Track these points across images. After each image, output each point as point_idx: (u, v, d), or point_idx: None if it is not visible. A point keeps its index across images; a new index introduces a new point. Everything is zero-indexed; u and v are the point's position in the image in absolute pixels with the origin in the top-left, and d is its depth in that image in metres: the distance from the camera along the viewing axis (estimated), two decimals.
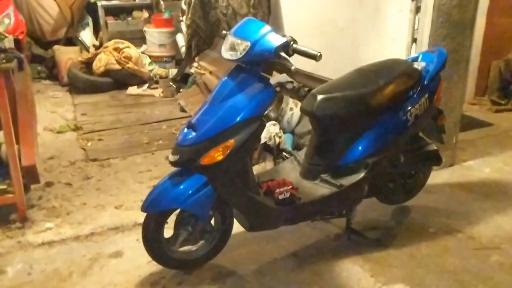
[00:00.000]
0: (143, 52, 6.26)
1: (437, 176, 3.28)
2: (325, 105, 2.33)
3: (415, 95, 2.47)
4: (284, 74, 4.38)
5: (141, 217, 2.25)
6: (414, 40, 3.10)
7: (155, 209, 2.15)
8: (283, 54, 2.02)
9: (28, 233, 2.63)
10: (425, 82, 2.50)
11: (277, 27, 4.94)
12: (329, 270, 2.36)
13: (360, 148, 2.39)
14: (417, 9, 3.03)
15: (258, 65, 2.08)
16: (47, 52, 6.38)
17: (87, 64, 5.85)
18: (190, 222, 2.23)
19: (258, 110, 2.07)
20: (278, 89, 4.22)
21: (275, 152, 3.25)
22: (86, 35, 6.60)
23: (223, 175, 2.09)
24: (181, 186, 2.12)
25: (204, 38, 4.71)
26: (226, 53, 2.11)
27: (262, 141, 3.26)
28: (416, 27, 3.07)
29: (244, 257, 2.45)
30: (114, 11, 6.66)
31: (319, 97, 2.33)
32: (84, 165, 3.59)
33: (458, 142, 3.73)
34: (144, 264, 2.36)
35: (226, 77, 2.16)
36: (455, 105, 3.29)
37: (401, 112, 2.42)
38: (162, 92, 5.33)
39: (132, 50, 5.84)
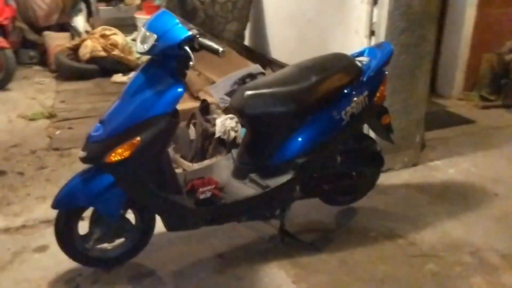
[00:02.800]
0: (134, 39, 6.19)
1: (396, 177, 3.14)
2: (252, 102, 2.22)
3: (352, 93, 2.33)
4: (257, 65, 4.28)
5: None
6: (372, 33, 2.93)
7: (63, 206, 2.09)
8: (187, 48, 1.91)
9: None
10: (364, 79, 2.36)
11: (257, 16, 4.82)
12: (251, 274, 2.27)
13: (289, 148, 2.28)
14: (375, 0, 2.86)
15: (171, 59, 1.98)
16: (40, 38, 6.40)
17: (75, 51, 5.83)
18: (105, 220, 2.17)
19: (166, 107, 1.98)
20: (248, 80, 4.12)
21: (228, 147, 3.15)
22: (79, 21, 6.58)
23: (130, 174, 2.01)
24: (89, 185, 2.05)
25: None
26: (138, 46, 2.02)
27: (217, 135, 3.17)
28: (374, 20, 2.90)
29: (168, 257, 2.38)
30: None
31: (247, 93, 2.23)
32: (44, 154, 3.57)
33: (428, 141, 3.57)
34: (65, 260, 2.29)
35: (139, 71, 2.07)
36: (417, 102, 3.12)
37: (335, 111, 2.29)
38: None
39: (119, 37, 5.79)
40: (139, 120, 1.97)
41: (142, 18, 6.08)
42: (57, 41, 6.04)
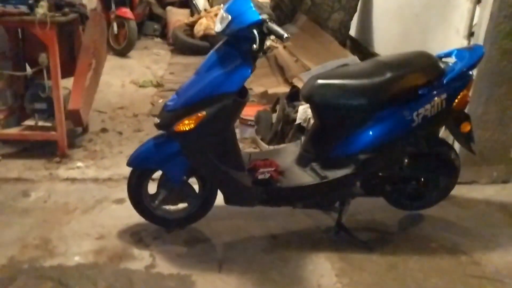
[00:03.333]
0: None
1: (480, 191, 2.94)
2: (321, 91, 2.24)
3: (428, 94, 2.23)
4: (355, 57, 4.21)
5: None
6: (472, 34, 2.74)
7: (135, 165, 2.32)
8: (255, 31, 1.98)
9: (61, 168, 3.02)
10: (444, 81, 2.23)
11: (366, 7, 4.71)
12: (298, 259, 2.31)
13: (353, 142, 2.26)
14: (479, 0, 2.66)
15: (243, 40, 2.07)
16: (164, 12, 6.91)
17: (191, 27, 6.21)
18: (171, 183, 2.35)
19: (232, 86, 2.08)
20: None
21: (305, 134, 3.18)
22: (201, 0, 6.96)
23: (194, 144, 2.16)
24: (159, 149, 2.25)
25: (286, 12, 4.69)
26: (217, 26, 2.14)
27: (297, 121, 3.22)
28: (475, 20, 2.70)
29: (224, 229, 2.51)
30: None
31: (318, 82, 2.25)
32: (143, 119, 3.92)
33: None
34: (136, 215, 2.53)
35: (214, 50, 2.19)
36: None
37: (406, 111, 2.21)
38: None
39: None
40: (207, 95, 2.10)
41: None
42: (177, 16, 6.48)
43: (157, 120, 2.24)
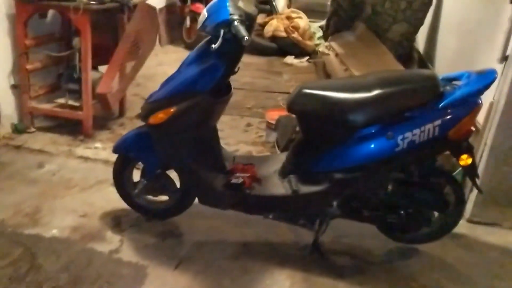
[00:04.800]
0: (320, 27, 6.29)
1: (499, 235, 2.60)
2: (302, 100, 2.13)
3: (417, 118, 2.01)
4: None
5: None
6: (505, 58, 2.41)
7: (117, 152, 2.40)
8: (222, 30, 1.93)
9: (80, 146, 3.21)
10: (439, 106, 1.99)
11: (432, 21, 4.39)
12: (258, 271, 2.22)
13: (329, 159, 2.12)
14: None
15: (216, 39, 2.02)
16: None
17: (263, 27, 6.25)
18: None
19: (202, 85, 2.05)
20: None
21: None
22: (281, 0, 6.98)
23: (164, 139, 2.17)
24: (138, 139, 2.30)
25: (344, 18, 4.51)
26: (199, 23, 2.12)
27: None
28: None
29: (202, 228, 2.50)
30: None
31: (302, 90, 2.14)
32: None
33: None
34: None
35: (197, 46, 2.18)
36: None
37: (389, 133, 2.02)
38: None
39: (302, 21, 5.98)
40: (180, 92, 2.10)
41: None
42: None
43: (140, 111, 2.29)
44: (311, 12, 6.47)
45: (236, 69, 2.21)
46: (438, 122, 2.00)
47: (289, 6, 6.78)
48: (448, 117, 2.00)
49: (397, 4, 4.25)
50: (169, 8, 6.24)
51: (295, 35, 5.82)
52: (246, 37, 1.88)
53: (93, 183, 2.84)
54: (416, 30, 4.44)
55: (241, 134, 3.74)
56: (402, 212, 2.16)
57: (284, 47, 5.95)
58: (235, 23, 1.92)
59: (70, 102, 3.28)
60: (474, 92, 2.00)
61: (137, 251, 2.30)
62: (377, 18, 4.33)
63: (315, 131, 2.17)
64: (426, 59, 4.42)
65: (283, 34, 5.88)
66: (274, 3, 6.83)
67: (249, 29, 2.00)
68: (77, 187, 2.79)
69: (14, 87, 3.28)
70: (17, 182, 2.79)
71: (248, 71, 5.40)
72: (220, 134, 3.64)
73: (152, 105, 2.18)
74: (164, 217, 2.52)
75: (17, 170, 2.92)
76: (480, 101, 2.04)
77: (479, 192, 2.25)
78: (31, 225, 2.42)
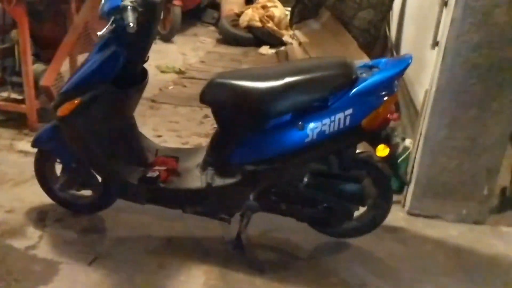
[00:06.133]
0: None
1: (440, 228, 2.51)
2: (214, 90, 2.05)
3: (326, 107, 1.91)
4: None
5: None
6: (436, 44, 2.30)
7: (36, 145, 2.34)
8: (112, 17, 1.85)
9: (23, 140, 3.16)
10: (350, 94, 1.89)
11: (403, 7, 4.24)
12: (175, 267, 2.16)
13: (243, 150, 2.04)
14: (445, 1, 2.22)
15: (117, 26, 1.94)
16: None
17: (239, 17, 6.14)
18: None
19: (104, 75, 1.98)
20: None
21: None
22: None
23: (72, 131, 2.11)
24: (53, 132, 2.24)
25: (310, 6, 4.39)
26: None
27: None
28: (441, 27, 2.27)
29: (128, 223, 2.43)
30: None
31: (214, 80, 2.05)
32: (143, 103, 3.94)
33: None
34: None
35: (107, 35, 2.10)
36: (492, 144, 2.35)
37: (300, 123, 1.92)
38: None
39: (277, 10, 5.86)
40: (84, 82, 2.03)
41: None
42: (231, 5, 6.43)
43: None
44: (287, 1, 6.33)
45: (146, 58, 2.12)
46: (349, 111, 1.90)
47: None
48: (360, 106, 1.90)
49: None
50: None
51: (270, 24, 5.71)
52: (131, 24, 1.80)
53: (28, 177, 2.78)
54: (383, 17, 4.30)
55: (197, 126, 3.67)
56: (319, 205, 2.07)
57: (261, 37, 5.84)
58: (128, 11, 1.83)
59: (13, 95, 3.23)
60: (386, 79, 1.89)
61: (54, 247, 2.24)
62: (342, 5, 4.21)
63: (228, 122, 2.08)
64: (394, 47, 4.29)
65: (259, 24, 5.77)
66: None
67: (148, 16, 1.92)
68: (11, 182, 2.74)
69: None
70: None
71: (223, 62, 5.33)
72: (175, 126, 3.68)
73: (61, 96, 2.12)
74: (90, 211, 2.46)
75: None
76: (396, 89, 1.94)
77: (402, 183, 2.15)
78: None
